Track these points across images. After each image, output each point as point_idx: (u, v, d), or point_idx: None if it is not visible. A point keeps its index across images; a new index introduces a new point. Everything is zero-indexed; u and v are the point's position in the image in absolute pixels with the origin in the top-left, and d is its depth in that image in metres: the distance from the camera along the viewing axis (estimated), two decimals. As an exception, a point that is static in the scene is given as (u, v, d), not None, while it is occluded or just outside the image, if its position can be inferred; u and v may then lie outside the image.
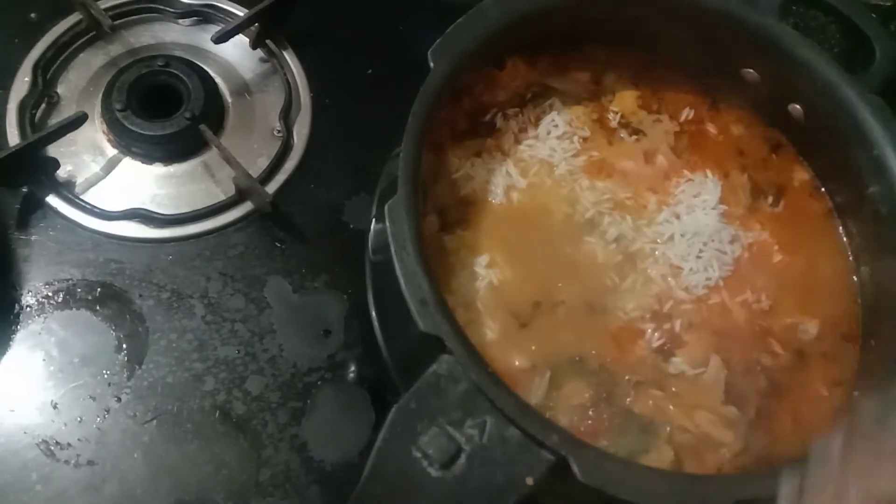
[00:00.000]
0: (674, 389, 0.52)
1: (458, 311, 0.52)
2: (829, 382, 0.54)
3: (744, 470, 0.51)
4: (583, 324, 0.54)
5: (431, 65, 0.50)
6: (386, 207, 0.45)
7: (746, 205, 0.59)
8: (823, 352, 0.55)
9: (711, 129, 0.62)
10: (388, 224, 0.44)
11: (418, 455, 0.41)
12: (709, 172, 0.60)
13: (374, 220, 0.57)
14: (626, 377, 0.52)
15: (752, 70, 0.60)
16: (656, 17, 0.60)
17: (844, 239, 0.59)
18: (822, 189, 0.61)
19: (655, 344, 0.54)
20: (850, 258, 0.58)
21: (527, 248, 0.56)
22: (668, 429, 0.51)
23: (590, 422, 0.51)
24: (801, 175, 0.61)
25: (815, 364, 0.55)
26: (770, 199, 0.60)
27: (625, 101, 0.62)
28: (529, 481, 0.41)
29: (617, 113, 0.62)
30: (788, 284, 0.57)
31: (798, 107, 0.59)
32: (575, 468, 0.41)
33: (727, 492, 0.42)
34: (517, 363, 0.52)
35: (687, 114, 0.62)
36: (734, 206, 0.59)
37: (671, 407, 0.52)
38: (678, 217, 0.57)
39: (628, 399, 0.52)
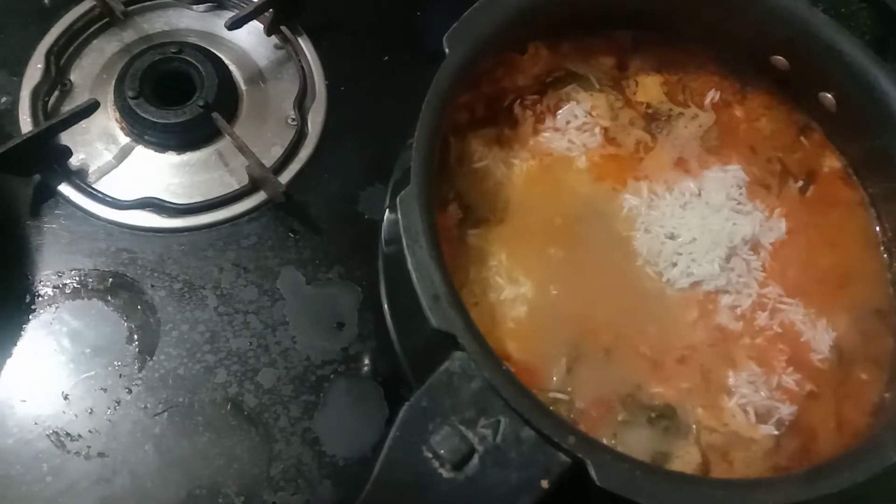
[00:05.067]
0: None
1: (475, 308, 0.51)
2: (865, 367, 0.52)
3: (776, 468, 0.49)
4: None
5: (447, 51, 0.48)
6: (398, 199, 0.43)
7: (775, 193, 0.57)
8: (857, 341, 0.53)
9: (738, 112, 0.60)
10: (399, 217, 0.43)
11: (429, 455, 0.40)
12: (736, 162, 0.58)
13: (387, 210, 0.56)
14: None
15: (781, 57, 0.58)
16: (683, 2, 0.58)
17: (878, 231, 0.57)
18: (855, 178, 0.58)
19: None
20: (884, 253, 0.56)
21: (546, 246, 0.54)
22: (694, 428, 0.50)
23: (608, 408, 0.50)
24: (832, 162, 0.59)
25: (851, 357, 0.53)
26: (800, 184, 0.58)
27: (649, 90, 0.60)
28: (544, 484, 0.40)
29: (642, 103, 0.60)
30: (820, 276, 0.55)
31: (829, 95, 0.56)
32: (592, 472, 0.39)
33: (751, 498, 0.40)
34: (536, 351, 0.51)
35: (713, 96, 0.60)
36: (762, 195, 0.57)
37: (700, 409, 0.50)
38: (704, 219, 0.55)
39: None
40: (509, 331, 0.51)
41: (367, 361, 0.60)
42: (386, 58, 0.72)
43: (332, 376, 0.60)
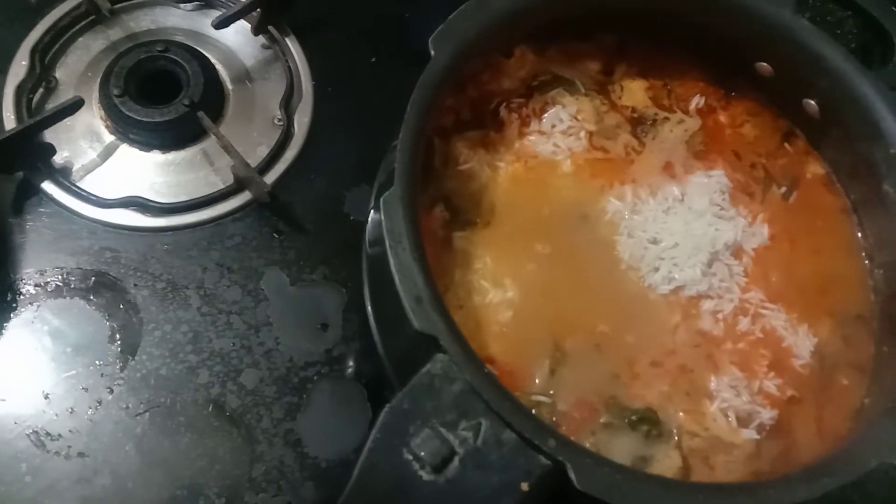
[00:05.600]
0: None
1: (459, 312, 0.51)
2: (846, 372, 0.53)
3: (757, 473, 0.49)
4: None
5: (432, 53, 0.48)
6: (381, 201, 0.43)
7: (759, 198, 0.58)
8: (839, 347, 0.54)
9: (723, 118, 0.60)
10: (383, 218, 0.43)
11: (410, 458, 0.40)
12: (720, 167, 0.58)
13: (371, 211, 0.56)
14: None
15: (766, 64, 0.58)
16: (669, 8, 0.58)
17: (860, 237, 0.57)
18: (838, 184, 0.59)
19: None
20: (865, 259, 0.56)
21: (530, 250, 0.54)
22: (675, 433, 0.50)
23: (591, 410, 0.50)
24: (816, 168, 0.59)
25: (832, 363, 0.53)
26: (783, 190, 0.58)
27: (635, 94, 0.60)
28: (524, 487, 0.40)
29: (628, 108, 0.60)
30: (802, 282, 0.55)
31: (812, 102, 0.57)
32: (572, 475, 0.39)
33: (731, 502, 0.40)
34: (519, 355, 0.51)
35: (697, 101, 0.60)
36: (745, 201, 0.57)
37: (681, 413, 0.50)
38: (687, 224, 0.55)
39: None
40: (493, 334, 0.51)
41: (350, 363, 0.60)
42: (373, 59, 0.72)
43: (315, 378, 0.59)
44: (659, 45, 0.60)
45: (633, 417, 0.49)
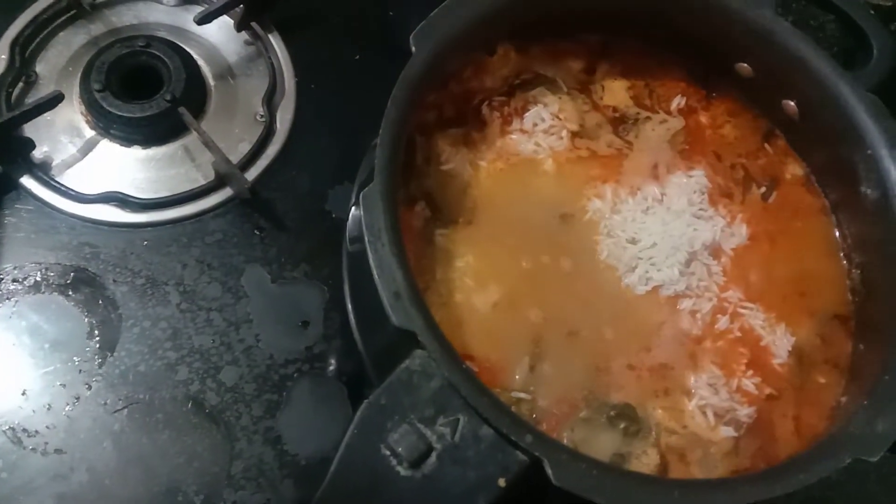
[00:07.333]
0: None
1: (441, 310, 0.51)
2: (823, 370, 0.53)
3: (735, 471, 0.50)
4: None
5: (413, 49, 0.48)
6: (361, 196, 0.43)
7: (738, 199, 0.58)
8: (816, 346, 0.54)
9: (704, 119, 0.60)
10: (362, 213, 0.43)
11: (387, 453, 0.40)
12: (702, 167, 0.58)
13: (352, 208, 0.55)
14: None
15: (746, 64, 0.58)
16: (651, 8, 0.58)
17: (838, 237, 0.58)
18: (817, 185, 0.59)
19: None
20: (843, 259, 0.57)
21: (512, 248, 0.54)
22: (653, 430, 0.50)
23: (571, 406, 0.50)
24: (795, 169, 0.60)
25: (810, 361, 0.54)
26: (763, 190, 0.58)
27: (616, 94, 0.61)
28: (502, 482, 0.40)
29: (609, 107, 0.60)
30: (781, 282, 0.56)
31: (792, 103, 0.57)
32: (549, 470, 0.39)
33: (708, 498, 0.41)
34: (499, 351, 0.51)
35: (678, 102, 0.60)
36: (724, 201, 0.57)
37: (660, 411, 0.51)
38: (665, 224, 0.55)
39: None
40: (474, 331, 0.51)
41: (331, 361, 0.60)
42: (357, 56, 0.72)
43: (295, 375, 0.59)
44: (641, 45, 0.61)
45: (612, 413, 0.49)
